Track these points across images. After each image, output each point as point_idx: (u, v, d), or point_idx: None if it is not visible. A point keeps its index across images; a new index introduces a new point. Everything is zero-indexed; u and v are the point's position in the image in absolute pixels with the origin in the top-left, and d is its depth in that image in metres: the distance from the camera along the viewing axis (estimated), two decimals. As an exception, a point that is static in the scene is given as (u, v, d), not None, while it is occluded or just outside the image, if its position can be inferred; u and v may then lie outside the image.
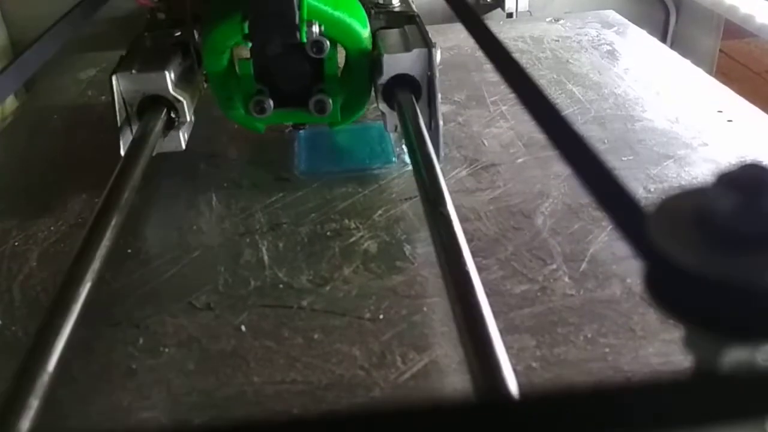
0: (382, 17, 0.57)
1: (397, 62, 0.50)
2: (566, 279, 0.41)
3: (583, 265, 0.42)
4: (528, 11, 1.04)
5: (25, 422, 0.23)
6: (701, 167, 0.52)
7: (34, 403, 0.24)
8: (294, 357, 0.37)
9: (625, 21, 0.86)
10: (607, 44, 0.79)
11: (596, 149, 0.24)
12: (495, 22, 0.96)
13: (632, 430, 0.14)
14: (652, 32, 0.83)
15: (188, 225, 0.49)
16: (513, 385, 0.24)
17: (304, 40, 0.47)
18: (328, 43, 0.48)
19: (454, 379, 0.35)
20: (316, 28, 0.48)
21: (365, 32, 0.51)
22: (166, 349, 0.38)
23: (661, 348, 0.36)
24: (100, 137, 0.63)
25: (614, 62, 0.73)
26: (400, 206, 0.49)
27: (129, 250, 0.46)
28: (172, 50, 0.52)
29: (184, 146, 0.52)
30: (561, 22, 0.87)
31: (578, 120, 0.61)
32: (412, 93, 0.50)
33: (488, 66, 0.74)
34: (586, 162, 0.23)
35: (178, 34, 0.55)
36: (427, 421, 0.14)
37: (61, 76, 0.80)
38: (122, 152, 0.48)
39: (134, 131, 0.49)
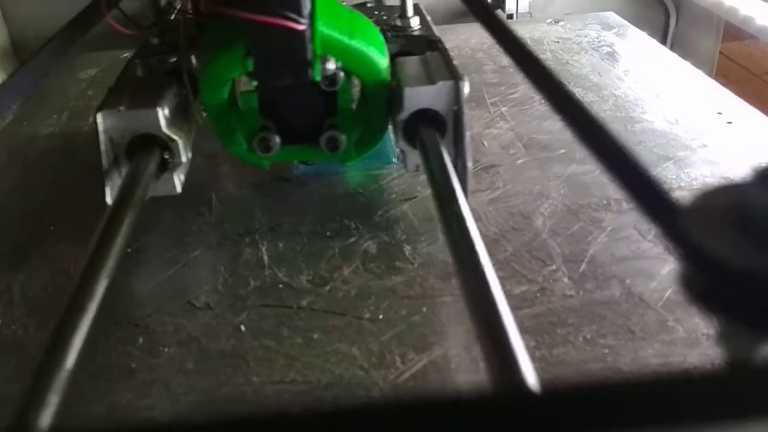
0: (400, 41, 0.52)
1: (420, 96, 0.44)
2: (566, 280, 0.41)
3: (583, 266, 0.42)
4: (528, 13, 1.04)
5: (46, 419, 0.24)
6: (701, 169, 0.52)
7: (53, 400, 0.24)
8: (293, 357, 0.37)
9: (625, 23, 0.86)
10: (607, 46, 0.79)
11: (629, 147, 0.24)
12: (495, 24, 0.96)
13: (658, 425, 0.14)
14: (652, 34, 0.83)
15: (188, 224, 0.49)
16: (532, 379, 0.24)
17: (318, 78, 0.42)
18: (342, 74, 0.43)
19: (454, 380, 0.35)
20: (331, 65, 0.42)
21: (384, 62, 0.45)
22: (166, 349, 0.38)
23: (660, 349, 0.36)
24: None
25: (614, 64, 0.73)
26: (400, 207, 0.49)
27: (129, 250, 0.46)
28: (166, 82, 0.47)
29: (179, 189, 0.46)
30: (561, 23, 0.87)
31: (578, 121, 0.61)
32: (436, 130, 0.44)
33: (488, 67, 0.75)
34: (619, 160, 0.24)
35: (173, 60, 0.50)
36: (448, 414, 0.14)
37: (61, 76, 0.80)
38: (108, 199, 0.43)
39: (122, 174, 0.44)
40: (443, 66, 0.46)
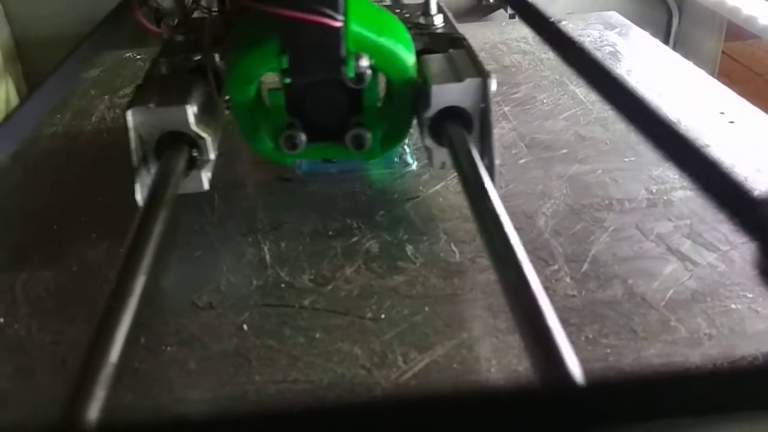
0: (423, 39, 0.51)
1: (447, 93, 0.44)
2: (568, 280, 0.41)
3: (585, 266, 0.42)
4: (530, 12, 1.03)
5: (93, 412, 0.24)
6: (703, 168, 0.52)
7: (100, 394, 0.25)
8: (295, 356, 0.37)
9: (628, 22, 0.86)
10: (610, 45, 0.79)
11: (695, 140, 0.24)
12: (497, 23, 0.96)
13: (704, 416, 0.14)
14: (654, 34, 0.83)
15: (191, 224, 0.49)
16: (578, 372, 0.24)
17: (351, 75, 0.42)
18: (370, 72, 0.43)
19: (456, 379, 0.35)
20: (364, 62, 0.42)
21: (411, 59, 0.45)
22: (168, 348, 0.38)
23: (662, 349, 0.36)
24: (102, 137, 0.64)
25: (616, 63, 0.73)
26: (402, 206, 0.49)
27: (131, 249, 0.46)
28: (194, 79, 0.47)
29: (206, 186, 0.46)
30: (563, 23, 0.87)
31: (581, 121, 0.61)
32: (463, 127, 0.44)
33: (490, 67, 0.74)
34: (685, 150, 0.23)
35: (198, 58, 0.50)
36: (496, 407, 0.14)
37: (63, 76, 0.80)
38: (138, 196, 0.43)
39: (151, 171, 0.44)
40: (469, 63, 0.47)
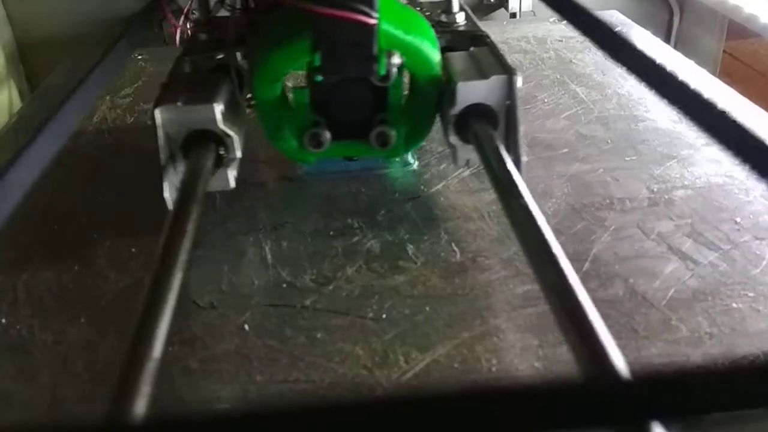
0: (445, 37, 0.51)
1: (473, 91, 0.44)
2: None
3: (586, 265, 0.42)
4: (531, 11, 1.04)
5: (141, 407, 0.24)
6: (705, 167, 0.52)
7: (145, 390, 0.25)
8: (297, 356, 0.37)
9: (629, 21, 0.86)
10: (611, 44, 0.79)
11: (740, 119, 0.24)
12: (498, 22, 0.96)
13: (747, 410, 0.14)
14: (655, 33, 0.83)
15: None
16: (622, 366, 0.24)
17: (383, 72, 0.42)
18: (396, 70, 0.43)
19: (457, 379, 0.35)
20: (396, 59, 0.42)
21: (437, 57, 0.46)
22: (169, 348, 0.38)
23: (663, 348, 0.36)
24: (103, 137, 0.64)
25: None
26: (403, 206, 0.49)
27: (132, 249, 0.46)
28: (219, 78, 0.47)
29: (233, 185, 0.46)
30: (564, 22, 0.87)
31: (582, 120, 0.61)
32: (488, 124, 0.44)
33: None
34: (740, 134, 0.23)
35: (220, 57, 0.50)
36: (542, 401, 0.14)
37: (65, 77, 0.80)
38: (166, 194, 0.43)
39: (177, 169, 0.44)
40: (494, 60, 0.47)
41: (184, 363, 0.37)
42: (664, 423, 0.15)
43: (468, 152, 0.46)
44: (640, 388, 0.14)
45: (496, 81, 0.44)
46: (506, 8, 1.04)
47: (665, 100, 0.28)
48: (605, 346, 0.25)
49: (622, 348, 0.36)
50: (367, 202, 0.50)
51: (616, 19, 0.87)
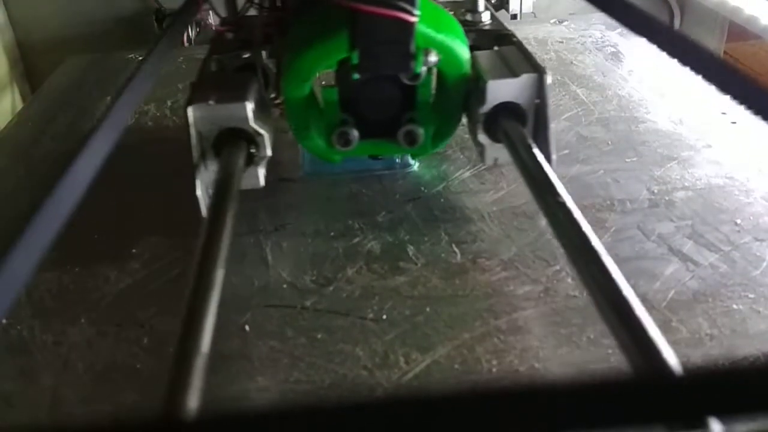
0: (471, 36, 0.50)
1: (502, 89, 0.44)
2: (569, 280, 0.41)
3: (587, 267, 0.42)
4: (532, 13, 1.04)
5: (193, 401, 0.25)
6: (705, 169, 0.52)
7: (197, 384, 0.25)
8: (297, 357, 0.37)
9: (629, 23, 0.86)
10: (611, 46, 0.79)
11: None
12: (499, 24, 0.96)
13: None
14: (656, 34, 0.83)
15: (192, 226, 0.49)
16: (674, 362, 0.24)
17: (419, 70, 0.43)
18: (425, 68, 0.44)
19: (458, 380, 0.35)
20: (433, 57, 0.43)
21: (466, 55, 0.46)
22: (170, 349, 0.38)
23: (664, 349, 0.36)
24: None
25: (618, 64, 0.73)
26: (404, 207, 0.49)
27: (133, 250, 0.46)
28: (248, 77, 0.47)
29: (263, 183, 0.46)
30: (565, 23, 0.87)
31: (582, 121, 0.61)
32: (518, 122, 0.44)
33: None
34: None
35: (247, 56, 0.51)
36: (594, 397, 0.14)
37: (65, 77, 0.81)
38: (198, 192, 0.43)
39: (209, 168, 0.44)
40: (523, 59, 0.47)
41: (185, 364, 0.37)
42: (722, 419, 0.15)
43: (496, 151, 0.46)
44: (696, 383, 0.14)
45: (526, 79, 0.44)
46: (507, 10, 1.04)
47: (736, 100, 0.28)
48: (656, 343, 0.25)
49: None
50: (368, 203, 0.50)
51: (617, 20, 0.87)
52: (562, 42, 0.81)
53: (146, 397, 0.35)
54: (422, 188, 0.51)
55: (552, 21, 0.88)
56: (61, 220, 0.23)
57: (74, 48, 1.04)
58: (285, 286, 0.42)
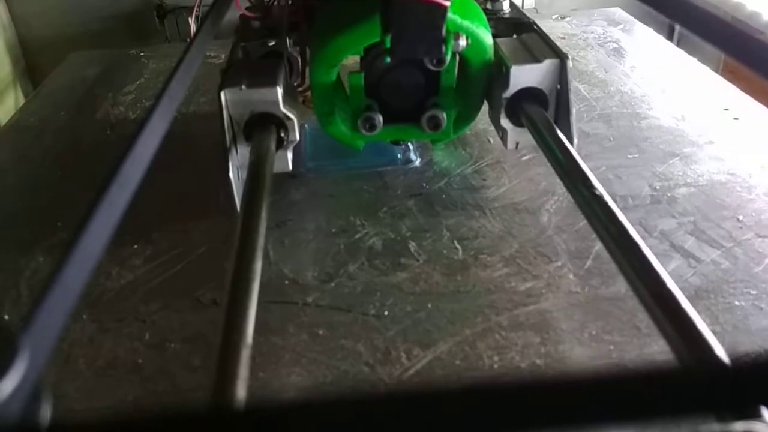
0: (492, 24, 0.51)
1: (526, 74, 0.45)
2: (571, 276, 0.41)
3: (588, 263, 0.42)
4: (534, 8, 1.04)
5: (242, 391, 0.25)
6: (707, 165, 0.52)
7: (243, 374, 0.26)
8: (299, 353, 0.37)
9: (632, 18, 0.86)
10: (614, 42, 0.79)
11: None
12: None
13: None
14: (658, 30, 0.83)
15: (194, 221, 0.49)
16: (720, 352, 0.24)
17: (449, 54, 0.43)
18: (449, 54, 0.44)
19: (459, 375, 0.35)
20: (462, 42, 0.44)
21: (490, 41, 0.47)
22: (172, 345, 0.38)
23: (665, 345, 0.36)
24: (105, 134, 0.64)
25: (620, 60, 0.73)
26: (405, 203, 0.49)
27: (135, 246, 0.46)
28: (276, 63, 0.48)
29: (291, 167, 0.47)
30: (567, 19, 0.87)
31: (584, 117, 0.61)
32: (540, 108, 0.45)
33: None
34: None
35: (272, 44, 0.52)
36: (639, 388, 0.13)
37: (67, 74, 0.81)
38: (231, 174, 0.44)
39: (239, 151, 0.45)
40: (545, 45, 0.48)
41: (186, 360, 0.37)
42: None
43: (518, 135, 0.47)
44: (747, 373, 0.14)
45: (549, 65, 0.45)
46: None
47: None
48: (702, 333, 0.25)
49: (625, 345, 0.36)
50: (369, 200, 0.50)
51: (619, 16, 0.87)
52: (564, 38, 0.80)
53: (148, 392, 0.35)
54: (424, 184, 0.51)
55: (554, 17, 0.88)
56: (127, 198, 0.24)
57: (76, 44, 1.04)
58: (287, 282, 0.42)
